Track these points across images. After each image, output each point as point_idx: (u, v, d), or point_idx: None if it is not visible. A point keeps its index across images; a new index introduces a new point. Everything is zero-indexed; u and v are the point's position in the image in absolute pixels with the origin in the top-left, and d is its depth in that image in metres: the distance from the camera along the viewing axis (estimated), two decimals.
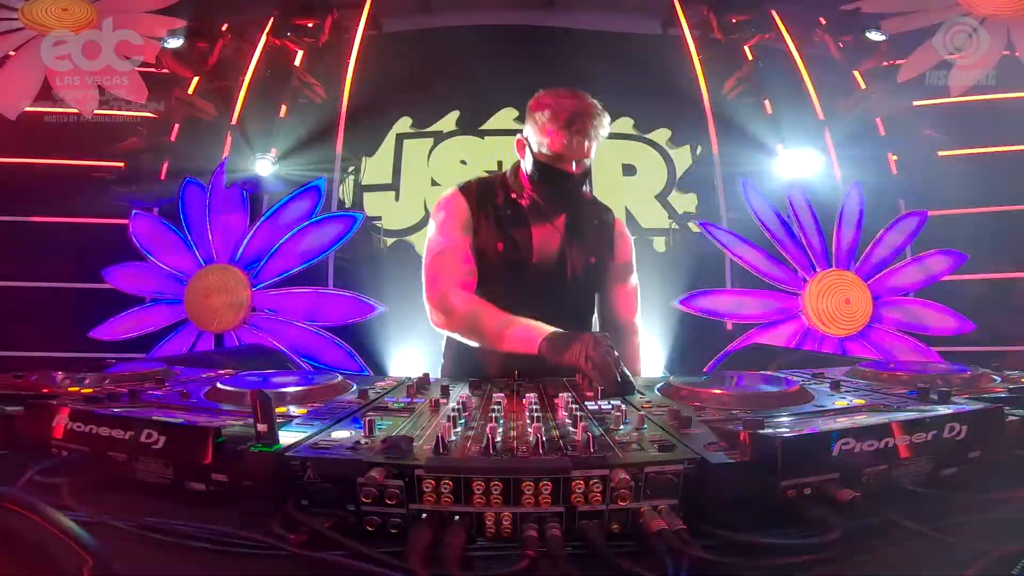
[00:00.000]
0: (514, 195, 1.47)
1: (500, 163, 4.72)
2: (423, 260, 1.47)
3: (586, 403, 0.84)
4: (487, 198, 1.48)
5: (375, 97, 4.44)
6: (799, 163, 4.04)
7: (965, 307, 3.94)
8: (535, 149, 1.37)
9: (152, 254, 3.88)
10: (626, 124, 5.04)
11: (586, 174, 1.41)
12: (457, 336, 1.39)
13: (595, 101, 1.36)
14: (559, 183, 1.38)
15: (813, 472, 0.57)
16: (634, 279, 1.64)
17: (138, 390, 0.86)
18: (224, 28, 4.25)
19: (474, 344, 1.35)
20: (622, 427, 0.69)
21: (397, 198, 4.87)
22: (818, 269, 4.05)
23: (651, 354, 3.81)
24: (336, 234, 3.98)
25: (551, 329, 1.18)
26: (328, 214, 4.04)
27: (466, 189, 1.51)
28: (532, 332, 1.19)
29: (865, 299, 3.99)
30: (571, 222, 1.51)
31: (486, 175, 1.58)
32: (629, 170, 4.96)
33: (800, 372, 1.17)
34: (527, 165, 1.42)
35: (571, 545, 0.52)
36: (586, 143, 1.33)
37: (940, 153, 3.89)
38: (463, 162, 4.83)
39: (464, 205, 1.47)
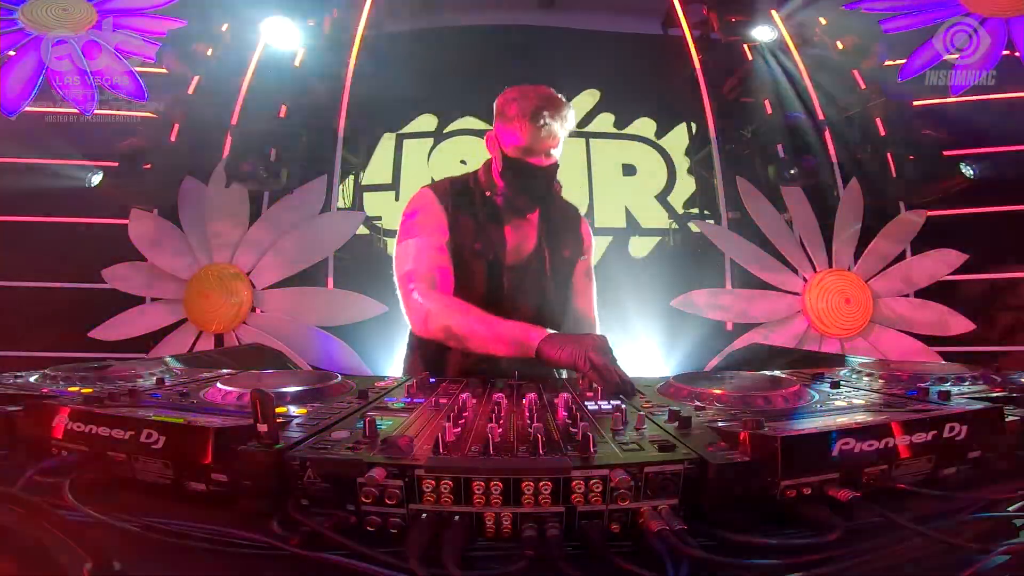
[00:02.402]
0: (488, 193, 1.47)
1: None
2: (394, 261, 1.44)
3: (586, 403, 0.84)
4: (461, 197, 1.47)
5: (375, 97, 4.45)
6: (798, 162, 4.04)
7: (965, 307, 3.94)
8: (504, 145, 1.39)
9: (152, 254, 3.88)
10: (626, 124, 5.05)
11: (555, 168, 1.42)
12: (441, 340, 1.36)
13: (560, 95, 1.38)
14: (529, 177, 1.39)
15: (813, 472, 0.57)
16: (592, 275, 1.65)
17: (138, 390, 0.86)
18: (224, 28, 4.25)
19: (452, 346, 1.33)
20: (622, 427, 0.69)
21: (397, 198, 4.87)
22: (818, 269, 4.05)
23: (651, 354, 3.82)
24: (336, 234, 3.98)
25: (547, 331, 1.18)
26: (328, 213, 4.04)
27: (438, 188, 1.50)
28: (528, 333, 1.19)
29: (865, 299, 4.00)
30: (544, 219, 1.52)
31: (456, 176, 1.56)
32: (629, 170, 4.96)
33: (800, 372, 1.17)
34: (497, 163, 1.43)
35: (571, 545, 0.52)
36: (551, 134, 1.34)
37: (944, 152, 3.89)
38: (463, 162, 4.83)
39: (437, 204, 1.45)
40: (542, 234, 1.50)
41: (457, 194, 1.48)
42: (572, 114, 1.39)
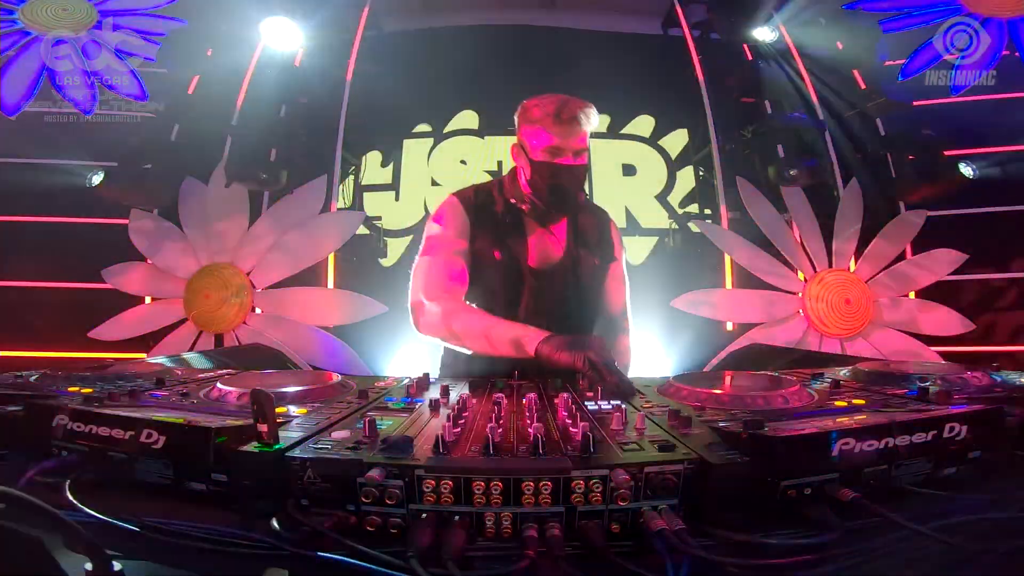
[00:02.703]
0: (514, 200, 1.46)
1: (500, 163, 4.72)
2: (412, 273, 1.45)
3: (586, 403, 0.84)
4: (486, 205, 1.47)
5: (374, 97, 4.45)
6: (798, 162, 4.04)
7: (965, 307, 3.94)
8: (530, 150, 1.38)
9: (152, 254, 3.88)
10: (626, 124, 5.05)
11: (584, 170, 1.40)
12: (441, 341, 1.38)
13: (582, 100, 1.38)
14: (559, 178, 1.37)
15: (813, 472, 0.57)
16: (625, 274, 1.65)
17: (138, 390, 0.86)
18: (224, 28, 4.25)
19: (464, 350, 1.34)
20: (622, 427, 0.69)
21: (397, 198, 4.87)
22: (817, 269, 4.05)
23: (651, 354, 3.82)
24: (336, 234, 3.98)
25: (544, 332, 1.18)
26: (328, 213, 4.04)
27: (463, 196, 1.50)
28: (526, 334, 1.19)
29: (865, 299, 4.00)
30: (573, 226, 1.51)
31: (482, 183, 1.57)
32: (629, 170, 4.96)
33: (800, 372, 1.17)
34: (525, 171, 1.42)
35: (571, 545, 0.52)
36: (578, 130, 1.34)
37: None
38: (463, 162, 4.83)
39: (462, 212, 1.46)
40: (571, 241, 1.49)
41: (482, 202, 1.48)
42: (595, 113, 1.37)
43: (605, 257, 1.55)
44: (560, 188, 1.39)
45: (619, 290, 1.61)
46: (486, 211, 1.46)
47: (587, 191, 1.55)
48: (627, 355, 1.59)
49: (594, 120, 1.37)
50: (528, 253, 1.44)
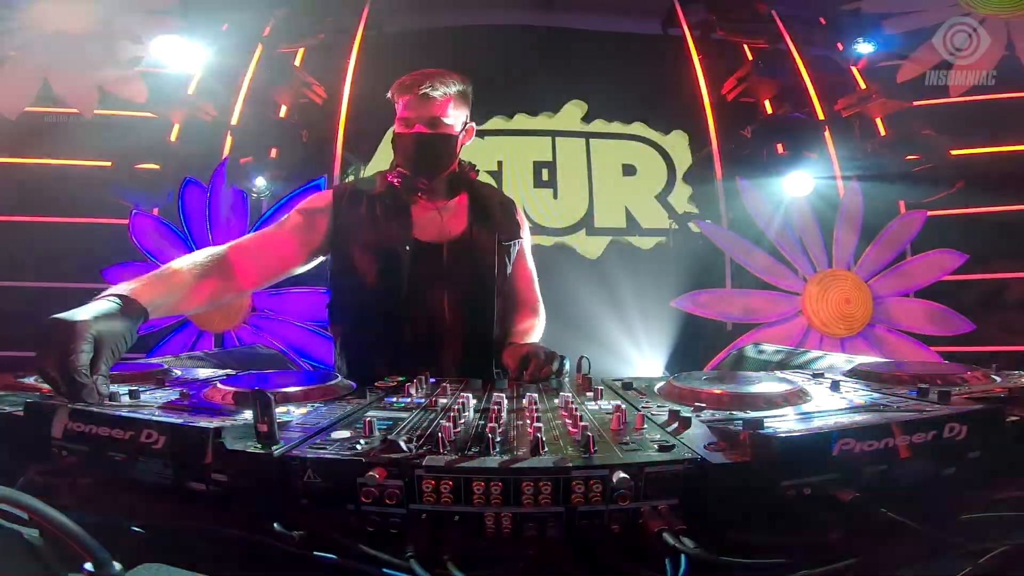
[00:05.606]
0: (389, 177, 1.51)
1: (500, 163, 4.72)
2: None
3: (586, 403, 0.84)
4: (362, 193, 1.52)
5: (375, 97, 4.45)
6: (798, 163, 4.04)
7: (965, 307, 3.94)
8: (395, 126, 1.46)
9: (152, 254, 3.88)
10: (626, 124, 5.05)
11: (442, 139, 1.44)
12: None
13: (446, 71, 1.43)
14: (411, 147, 1.43)
15: (813, 472, 0.57)
16: (530, 258, 1.70)
17: (138, 390, 0.86)
18: (224, 28, 4.25)
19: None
20: (622, 427, 0.69)
21: None
22: (818, 269, 4.05)
23: (651, 354, 3.82)
24: None
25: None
26: None
27: (340, 187, 1.57)
28: None
29: (865, 299, 4.00)
30: (473, 202, 1.56)
31: (371, 174, 1.62)
32: (629, 170, 4.96)
33: (800, 372, 1.17)
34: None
35: (571, 545, 0.52)
36: (430, 100, 1.39)
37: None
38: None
39: (326, 202, 1.52)
40: (472, 217, 1.54)
41: (358, 191, 1.53)
42: (451, 80, 1.42)
43: (510, 235, 1.59)
44: (413, 157, 1.44)
45: (524, 268, 1.66)
46: (364, 197, 1.51)
47: (477, 168, 1.59)
48: (534, 335, 1.60)
49: (448, 90, 1.41)
50: (414, 228, 1.47)
